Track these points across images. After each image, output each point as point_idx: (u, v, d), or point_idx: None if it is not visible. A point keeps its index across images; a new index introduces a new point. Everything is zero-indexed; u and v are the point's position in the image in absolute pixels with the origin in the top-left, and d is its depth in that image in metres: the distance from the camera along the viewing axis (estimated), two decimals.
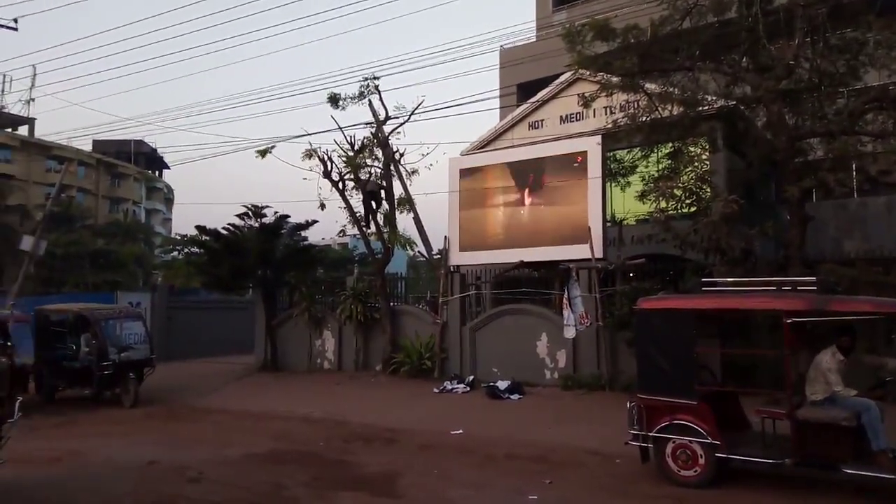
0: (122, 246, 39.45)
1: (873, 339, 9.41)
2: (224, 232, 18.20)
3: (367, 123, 17.60)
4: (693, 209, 13.15)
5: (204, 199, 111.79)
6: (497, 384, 13.13)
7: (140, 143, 55.44)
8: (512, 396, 12.71)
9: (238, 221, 18.41)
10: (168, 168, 62.30)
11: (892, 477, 5.84)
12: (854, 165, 14.81)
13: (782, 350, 6.59)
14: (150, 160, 59.80)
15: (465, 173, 16.04)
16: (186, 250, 26.23)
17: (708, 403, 6.78)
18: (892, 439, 6.10)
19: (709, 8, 12.72)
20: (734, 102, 13.70)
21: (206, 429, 10.82)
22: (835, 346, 6.62)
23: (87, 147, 52.07)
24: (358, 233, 17.80)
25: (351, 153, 17.00)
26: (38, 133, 48.72)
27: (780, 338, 6.63)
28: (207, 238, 18.44)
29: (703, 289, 7.54)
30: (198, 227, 18.68)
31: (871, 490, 6.28)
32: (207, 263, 18.59)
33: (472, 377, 14.15)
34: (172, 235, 45.77)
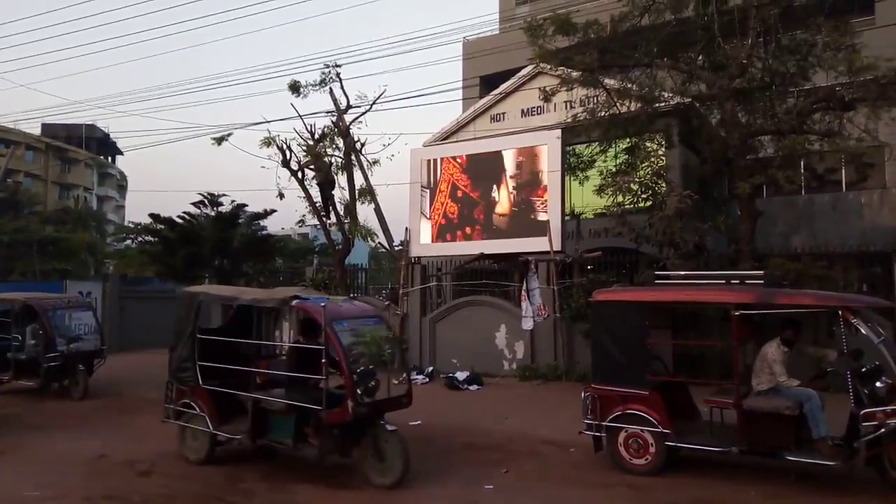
0: (73, 233, 38.19)
1: (816, 331, 9.78)
2: (179, 220, 17.86)
3: (327, 112, 17.45)
4: (649, 204, 13.43)
5: (158, 186, 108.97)
6: (456, 375, 13.23)
7: (92, 127, 53.71)
8: (471, 387, 12.81)
9: (193, 210, 18.11)
10: (121, 154, 60.54)
11: (832, 463, 6.11)
12: (802, 163, 15.34)
13: (730, 341, 6.81)
14: (102, 145, 57.93)
15: (427, 164, 16.02)
16: (140, 239, 25.58)
17: (659, 393, 6.96)
18: (832, 427, 6.37)
19: (667, 6, 13.00)
20: (690, 100, 14.03)
21: (158, 421, 10.58)
22: (779, 338, 6.86)
23: (36, 130, 50.23)
24: (318, 223, 17.65)
25: (311, 142, 16.81)
26: None
27: (728, 330, 6.84)
28: (162, 226, 18.09)
29: (657, 281, 7.72)
30: (152, 216, 18.30)
31: (811, 476, 6.55)
32: (162, 252, 18.24)
33: (431, 368, 14.22)
34: (125, 223, 44.52)
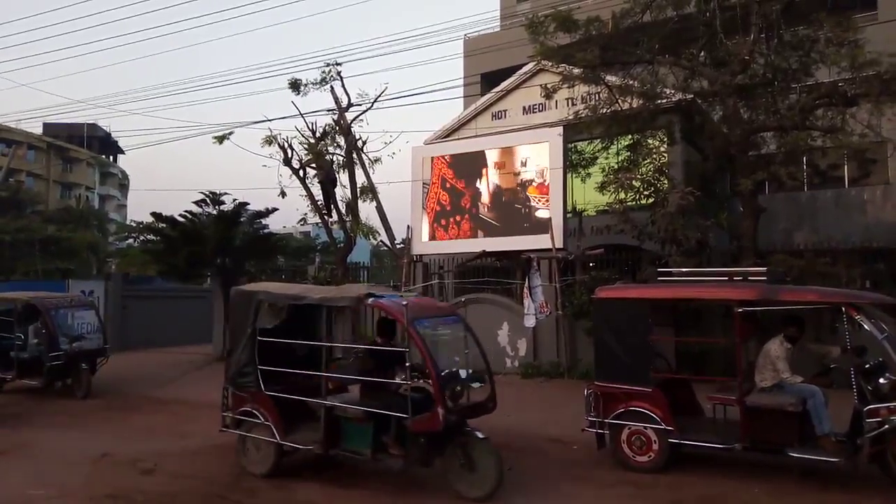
0: (75, 233, 38.23)
1: (819, 327, 9.76)
2: (181, 219, 17.81)
3: (329, 110, 17.42)
4: (651, 200, 13.42)
5: (160, 185, 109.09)
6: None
7: (93, 126, 53.73)
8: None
9: (195, 209, 18.06)
10: (123, 153, 60.50)
11: (835, 460, 6.10)
12: (805, 160, 15.31)
13: (733, 338, 6.79)
14: (104, 144, 57.94)
15: (429, 162, 16.00)
16: (142, 238, 25.59)
17: (662, 390, 6.95)
18: (836, 424, 6.36)
19: (668, 2, 12.97)
20: (692, 96, 13.99)
21: (162, 420, 10.62)
22: (783, 335, 6.84)
23: (38, 130, 50.28)
24: (320, 221, 17.65)
25: (312, 140, 16.81)
26: None
27: (731, 326, 6.83)
28: (164, 225, 18.03)
29: (659, 278, 7.71)
30: (154, 214, 18.25)
31: (815, 472, 6.54)
32: (164, 251, 18.19)
33: None
34: (127, 222, 44.62)
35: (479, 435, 6.15)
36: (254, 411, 7.00)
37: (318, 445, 6.58)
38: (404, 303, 6.19)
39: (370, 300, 6.51)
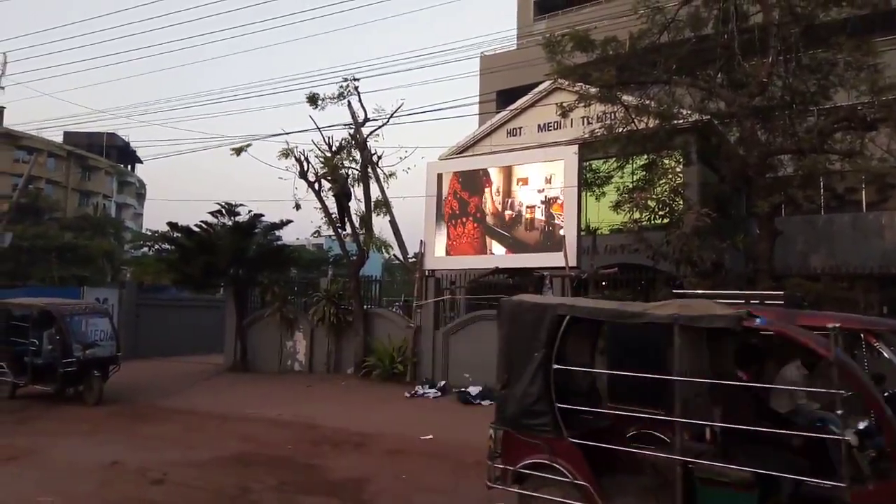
0: (91, 240, 38.65)
1: None
2: (196, 229, 17.96)
3: (345, 125, 17.53)
4: (666, 221, 13.33)
5: (177, 195, 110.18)
6: (469, 389, 13.14)
7: (113, 136, 54.53)
8: (483, 402, 12.72)
9: (211, 219, 18.20)
10: (141, 162, 61.18)
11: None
12: (822, 183, 15.18)
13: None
14: (122, 154, 58.75)
15: (443, 178, 16.05)
16: (157, 247, 25.84)
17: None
18: None
19: (686, 23, 12.98)
20: (708, 117, 13.95)
21: (172, 429, 10.64)
22: (799, 361, 6.75)
23: (58, 138, 51.05)
24: (333, 234, 17.72)
25: (328, 154, 16.93)
26: (7, 122, 47.56)
27: None
28: (179, 235, 18.18)
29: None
30: (170, 224, 18.40)
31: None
32: (179, 261, 18.32)
33: (443, 382, 14.14)
34: (143, 231, 45.02)
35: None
36: (554, 465, 5.31)
37: None
38: (832, 325, 4.30)
39: (757, 321, 4.55)
